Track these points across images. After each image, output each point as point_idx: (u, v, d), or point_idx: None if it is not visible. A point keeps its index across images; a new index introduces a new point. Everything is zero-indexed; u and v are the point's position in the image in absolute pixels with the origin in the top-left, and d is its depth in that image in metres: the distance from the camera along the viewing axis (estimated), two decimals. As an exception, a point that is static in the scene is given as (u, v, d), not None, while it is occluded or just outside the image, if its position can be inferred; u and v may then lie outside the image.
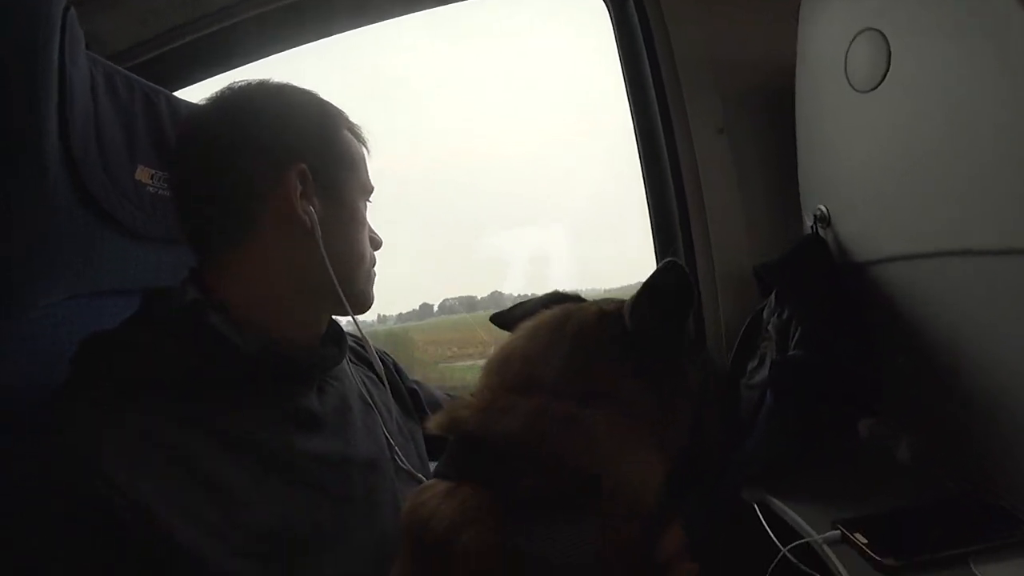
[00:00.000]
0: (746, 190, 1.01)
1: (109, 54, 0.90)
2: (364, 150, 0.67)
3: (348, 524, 0.56)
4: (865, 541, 0.61)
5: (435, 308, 1.59)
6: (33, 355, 0.55)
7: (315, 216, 0.58)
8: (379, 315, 1.51)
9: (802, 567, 0.63)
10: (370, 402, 0.69)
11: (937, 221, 0.68)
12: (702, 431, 0.59)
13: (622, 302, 0.55)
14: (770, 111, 0.99)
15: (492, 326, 0.68)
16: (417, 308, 1.59)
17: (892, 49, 0.68)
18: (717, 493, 0.81)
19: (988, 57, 0.58)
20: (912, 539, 0.61)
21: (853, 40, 0.74)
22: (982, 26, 0.59)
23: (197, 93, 0.62)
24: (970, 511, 0.67)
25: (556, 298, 0.64)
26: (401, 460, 0.67)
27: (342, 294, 0.60)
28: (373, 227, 0.68)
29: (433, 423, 0.54)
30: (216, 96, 0.60)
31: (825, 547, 0.63)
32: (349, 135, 0.65)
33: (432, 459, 0.75)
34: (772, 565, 0.67)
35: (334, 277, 0.59)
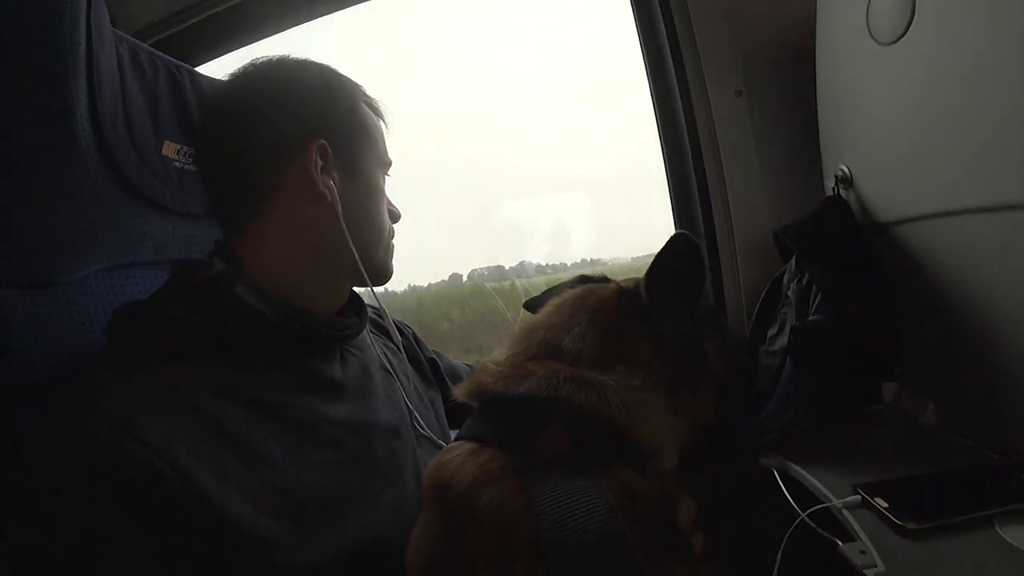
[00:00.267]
0: (765, 153, 0.99)
1: (133, 31, 0.93)
2: (382, 123, 0.68)
3: (372, 488, 0.57)
4: (886, 505, 0.60)
5: (464, 277, 1.63)
6: (69, 324, 0.57)
7: (335, 190, 0.59)
8: (410, 285, 1.57)
9: (821, 532, 0.63)
10: (391, 371, 0.71)
11: (964, 177, 0.65)
12: (723, 405, 0.59)
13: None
14: (789, 71, 0.97)
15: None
16: (447, 278, 1.63)
17: (916, -4, 0.65)
18: (735, 459, 0.81)
19: (1016, 3, 0.55)
20: (934, 503, 0.60)
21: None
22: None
23: (219, 68, 0.64)
24: (995, 476, 0.64)
25: (583, 281, 0.65)
26: (422, 426, 0.69)
27: (361, 266, 0.61)
28: (393, 200, 0.69)
29: (459, 390, 0.56)
30: (236, 74, 0.62)
31: (845, 511, 0.62)
32: (367, 109, 0.65)
33: (452, 427, 0.77)
34: (790, 530, 0.66)
35: (354, 250, 0.60)
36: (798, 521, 0.66)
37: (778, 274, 0.89)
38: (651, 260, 0.54)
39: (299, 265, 0.60)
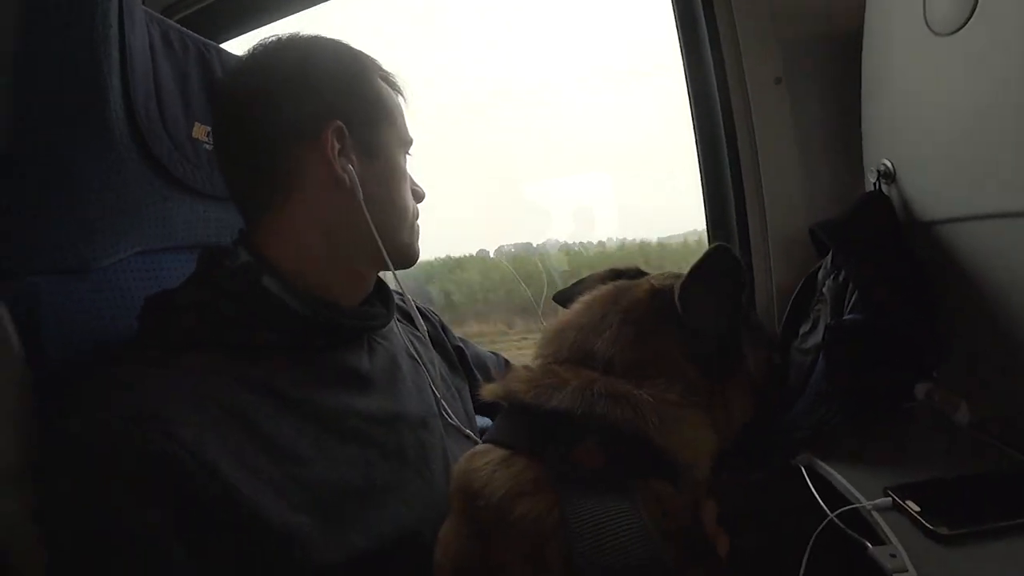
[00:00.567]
0: (803, 144, 0.96)
1: (161, 8, 0.91)
2: (400, 98, 0.65)
3: (401, 480, 0.57)
4: (917, 509, 0.59)
5: (491, 254, 1.65)
6: (100, 310, 0.57)
7: (354, 174, 0.57)
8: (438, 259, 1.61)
9: (850, 533, 0.63)
10: (418, 360, 0.70)
11: (1017, 178, 0.63)
12: (760, 409, 0.59)
13: (676, 277, 0.54)
14: (832, 59, 0.93)
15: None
16: (474, 254, 1.66)
17: (981, -15, 0.62)
18: (765, 458, 0.81)
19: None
20: (968, 508, 0.59)
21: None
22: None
23: (245, 45, 0.62)
24: (1031, 482, 0.63)
25: (613, 275, 0.64)
26: (449, 416, 0.68)
27: (384, 251, 0.59)
28: (417, 179, 0.67)
29: (488, 391, 0.55)
30: (247, 55, 0.59)
31: (874, 513, 0.61)
32: (383, 85, 0.62)
33: (479, 415, 0.77)
34: (818, 531, 0.66)
35: (376, 234, 0.58)
36: (826, 521, 0.66)
37: (812, 270, 0.87)
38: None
39: (321, 253, 0.59)
